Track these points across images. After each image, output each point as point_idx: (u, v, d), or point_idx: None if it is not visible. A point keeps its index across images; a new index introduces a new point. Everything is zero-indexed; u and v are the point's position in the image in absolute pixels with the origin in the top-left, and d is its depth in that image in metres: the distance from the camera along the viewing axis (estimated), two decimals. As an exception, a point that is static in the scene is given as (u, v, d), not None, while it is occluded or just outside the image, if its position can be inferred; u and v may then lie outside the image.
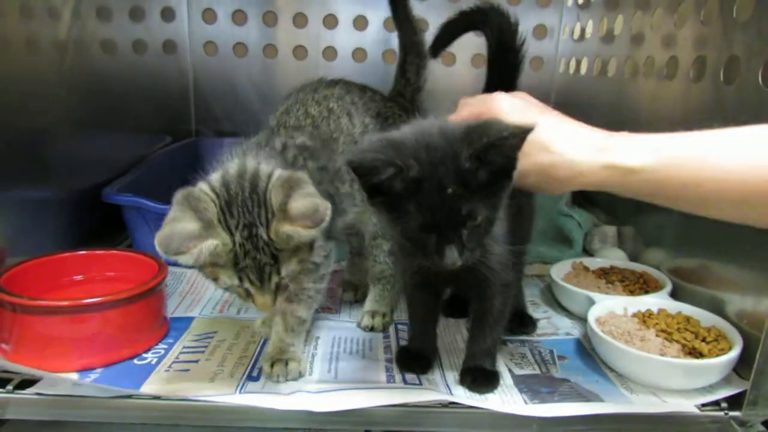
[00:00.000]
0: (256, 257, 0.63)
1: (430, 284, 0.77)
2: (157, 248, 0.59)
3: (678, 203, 0.64)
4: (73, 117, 1.14)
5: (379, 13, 1.49)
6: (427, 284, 0.76)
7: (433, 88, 1.51)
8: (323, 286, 0.81)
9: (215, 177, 0.67)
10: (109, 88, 1.29)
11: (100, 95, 1.24)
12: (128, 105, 1.38)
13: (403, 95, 1.04)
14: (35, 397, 0.71)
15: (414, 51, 1.04)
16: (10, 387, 0.71)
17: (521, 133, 0.58)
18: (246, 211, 0.63)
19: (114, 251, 0.94)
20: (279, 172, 0.66)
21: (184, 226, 0.61)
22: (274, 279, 0.65)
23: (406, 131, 0.64)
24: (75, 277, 0.89)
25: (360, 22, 1.50)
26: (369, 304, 0.93)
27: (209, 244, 0.61)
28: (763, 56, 0.77)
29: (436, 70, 1.51)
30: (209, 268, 0.64)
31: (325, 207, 0.62)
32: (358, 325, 0.91)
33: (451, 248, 0.60)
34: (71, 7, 1.11)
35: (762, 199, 0.58)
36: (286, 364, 0.75)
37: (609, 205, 1.26)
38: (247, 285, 0.65)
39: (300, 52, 1.52)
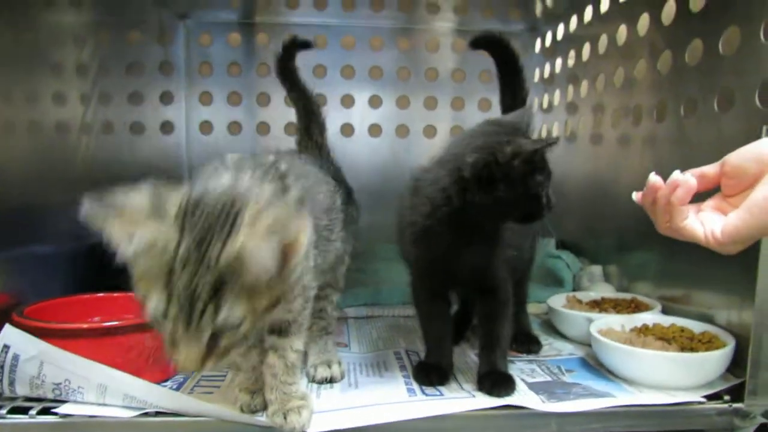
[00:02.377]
0: (193, 278, 0.50)
1: (441, 290, 0.84)
2: (83, 207, 0.51)
3: None
4: (77, 191, 1.19)
5: (364, 94, 1.63)
6: (438, 291, 0.83)
7: (414, 160, 1.64)
8: (309, 311, 0.74)
9: (197, 187, 0.58)
10: (109, 165, 1.37)
11: (100, 171, 1.31)
12: (126, 180, 1.45)
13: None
14: (58, 420, 0.70)
15: (315, 114, 1.09)
16: (33, 412, 0.71)
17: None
18: (211, 216, 0.52)
19: (131, 294, 0.96)
20: (269, 191, 0.57)
21: (134, 198, 0.52)
22: (208, 322, 0.51)
23: None
24: (93, 319, 0.90)
25: (347, 101, 1.63)
26: (317, 356, 0.86)
27: (150, 228, 0.50)
28: (715, 91, 0.89)
29: (421, 143, 1.65)
30: (143, 278, 0.53)
31: (300, 224, 0.51)
32: (312, 379, 0.83)
33: None
34: (75, 94, 1.21)
35: None
36: (299, 412, 0.69)
37: (592, 249, 1.34)
38: (171, 318, 0.51)
39: (290, 128, 1.62)
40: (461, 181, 0.73)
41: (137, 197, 0.52)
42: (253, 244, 0.50)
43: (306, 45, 1.10)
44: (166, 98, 1.58)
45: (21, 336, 0.72)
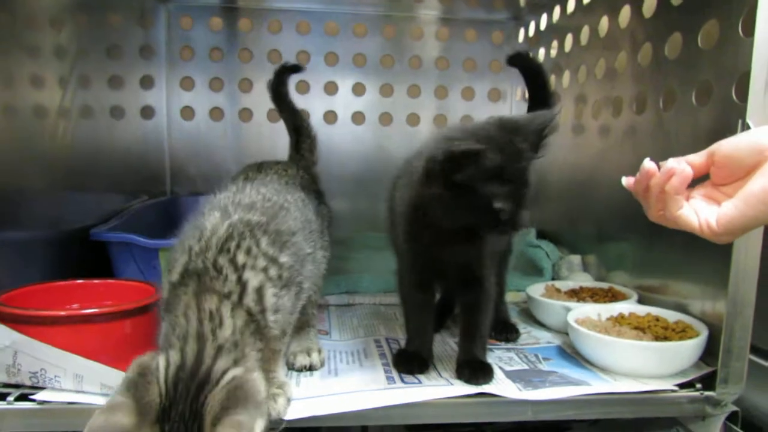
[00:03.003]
0: None
1: (428, 280, 0.84)
2: None
3: None
4: (55, 176, 1.19)
5: (347, 81, 1.63)
6: (425, 281, 0.84)
7: (397, 148, 1.64)
8: (294, 317, 0.78)
9: (174, 358, 0.63)
10: (88, 150, 1.35)
11: (79, 156, 1.30)
12: (105, 165, 1.45)
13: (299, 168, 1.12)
14: (35, 407, 0.70)
15: (303, 132, 1.14)
16: (10, 399, 0.71)
17: None
18: (182, 422, 0.60)
19: (110, 281, 0.96)
20: (230, 376, 0.62)
21: (119, 421, 0.58)
22: None
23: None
24: (72, 306, 0.89)
25: (330, 88, 1.62)
26: (298, 344, 0.88)
27: None
28: (693, 85, 0.90)
29: (404, 131, 1.65)
30: None
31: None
32: (292, 367, 0.84)
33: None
34: (53, 77, 1.19)
35: None
36: (275, 399, 0.71)
37: (571, 239, 1.35)
38: None
39: (273, 115, 1.61)
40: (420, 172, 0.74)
41: (124, 418, 0.58)
42: None
43: (296, 69, 1.16)
44: (147, 82, 1.56)
45: (-7, 325, 0.71)
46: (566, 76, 1.38)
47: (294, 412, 0.70)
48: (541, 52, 1.52)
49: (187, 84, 1.60)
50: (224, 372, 0.62)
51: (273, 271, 0.70)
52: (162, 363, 0.63)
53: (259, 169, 0.99)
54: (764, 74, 0.75)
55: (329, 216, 1.03)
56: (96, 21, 1.38)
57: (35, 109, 1.11)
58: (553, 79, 1.45)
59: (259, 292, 0.68)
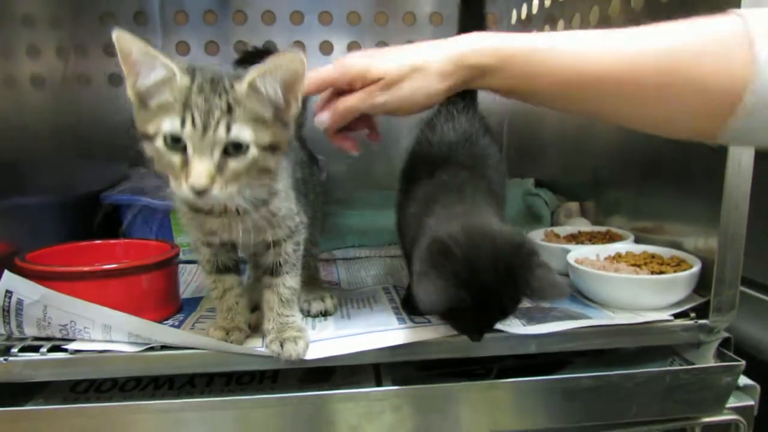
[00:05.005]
0: (209, 99, 0.60)
1: None
2: (114, 33, 0.61)
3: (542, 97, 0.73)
4: (60, 144, 1.21)
5: (342, 40, 1.63)
6: None
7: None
8: (301, 253, 0.80)
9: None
10: (89, 119, 1.37)
11: (80, 125, 1.32)
12: (106, 133, 1.45)
13: None
14: (69, 357, 0.74)
15: None
16: (43, 350, 0.75)
17: None
18: (214, 73, 0.62)
19: (126, 240, 0.99)
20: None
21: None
22: (221, 132, 0.60)
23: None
24: (94, 264, 0.91)
25: (326, 47, 1.63)
26: (310, 293, 0.89)
27: (168, 67, 0.61)
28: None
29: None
30: (158, 106, 0.62)
31: (299, 61, 0.63)
32: (308, 313, 0.88)
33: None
34: (50, 46, 1.19)
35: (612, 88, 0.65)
36: (295, 341, 0.74)
37: (569, 187, 1.39)
38: (188, 129, 0.60)
39: (270, 77, 1.62)
40: None
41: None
42: (259, 77, 0.62)
43: None
44: (143, 48, 1.56)
45: (21, 281, 0.74)
46: (560, 25, 1.38)
47: (312, 352, 0.74)
48: (535, 2, 1.52)
49: (183, 48, 1.60)
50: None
51: None
52: None
53: None
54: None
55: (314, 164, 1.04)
56: (89, -13, 1.38)
57: (33, 79, 1.12)
58: (547, 29, 1.46)
59: None
